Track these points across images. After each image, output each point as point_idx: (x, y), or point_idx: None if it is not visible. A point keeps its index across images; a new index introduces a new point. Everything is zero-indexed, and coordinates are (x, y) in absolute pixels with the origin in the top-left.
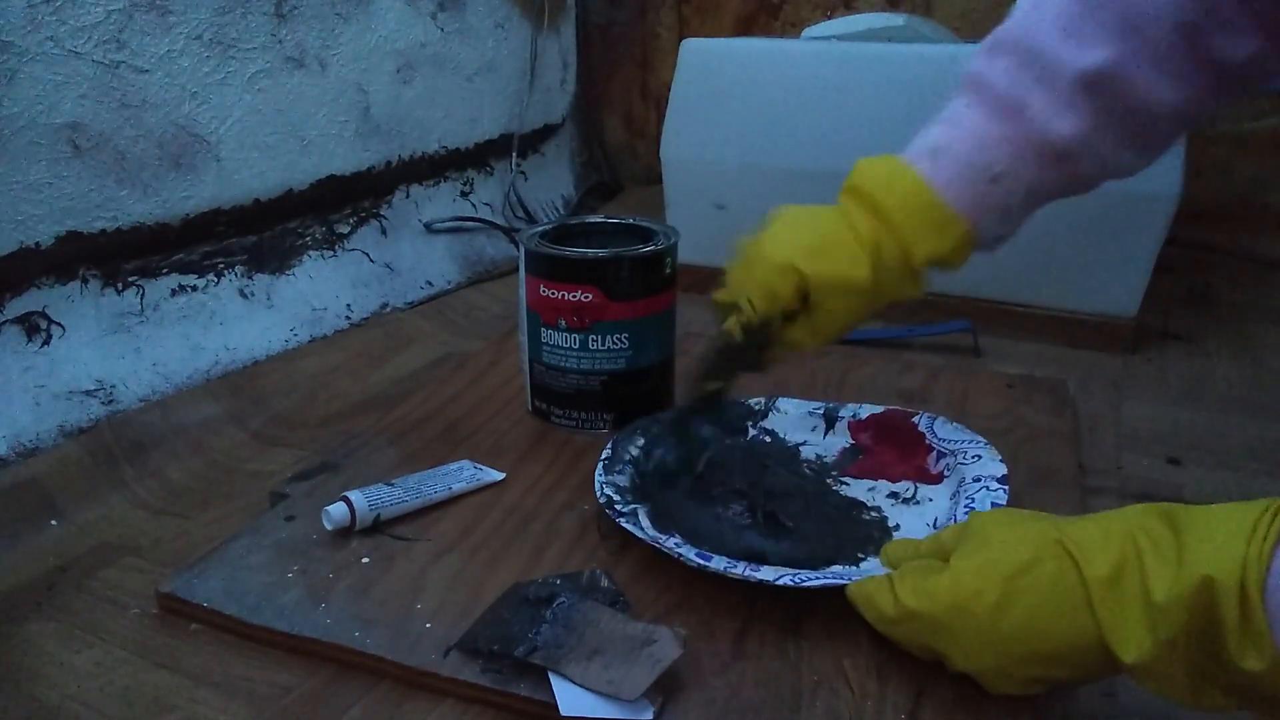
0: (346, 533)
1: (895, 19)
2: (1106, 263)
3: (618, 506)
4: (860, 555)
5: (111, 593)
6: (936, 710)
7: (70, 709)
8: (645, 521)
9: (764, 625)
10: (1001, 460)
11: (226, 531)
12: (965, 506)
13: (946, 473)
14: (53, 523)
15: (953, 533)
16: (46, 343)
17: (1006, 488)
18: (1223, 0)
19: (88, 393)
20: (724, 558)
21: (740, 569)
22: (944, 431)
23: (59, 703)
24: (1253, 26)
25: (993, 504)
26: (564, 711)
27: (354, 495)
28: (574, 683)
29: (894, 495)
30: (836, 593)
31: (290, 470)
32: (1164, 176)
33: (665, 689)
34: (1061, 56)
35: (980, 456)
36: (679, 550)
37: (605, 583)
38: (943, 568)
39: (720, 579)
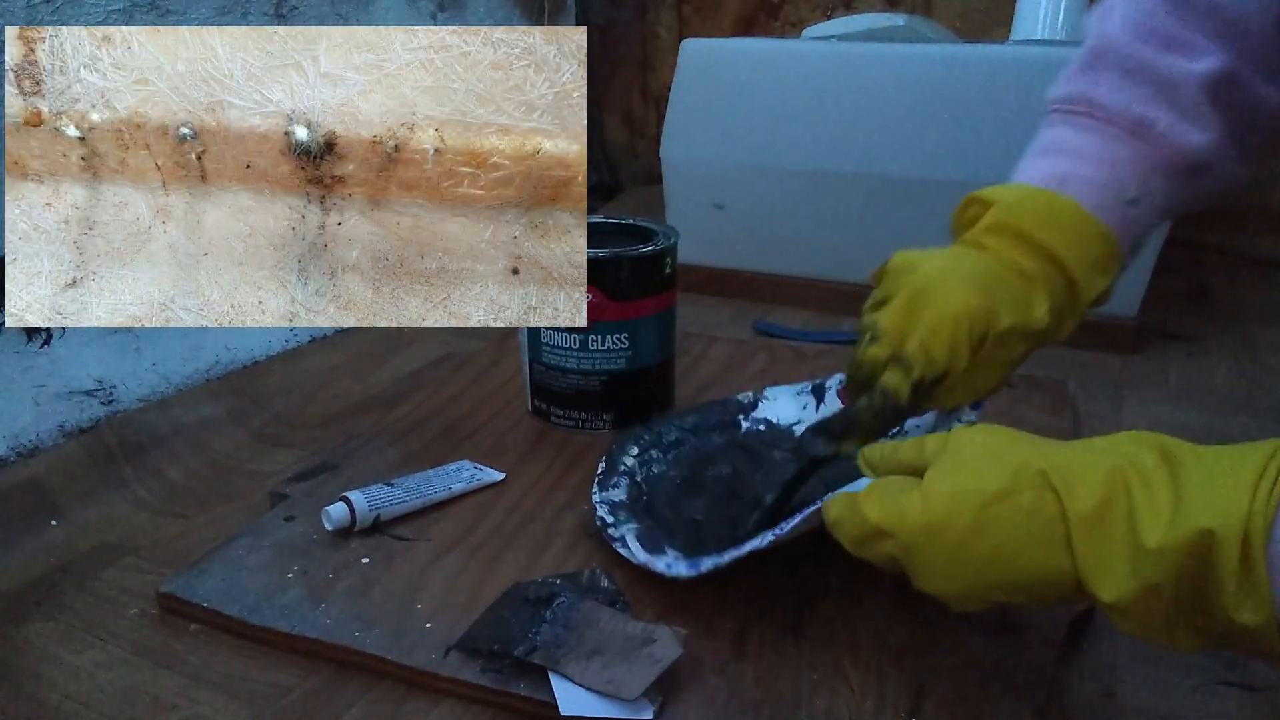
0: (346, 533)
1: (895, 19)
2: None
3: (610, 531)
4: None
5: (111, 593)
6: (937, 710)
7: (70, 709)
8: (634, 544)
9: (764, 625)
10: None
11: (226, 531)
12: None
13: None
14: (53, 523)
15: (935, 443)
16: (46, 343)
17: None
18: None
19: (88, 393)
20: (712, 557)
21: (727, 557)
22: None
23: (59, 703)
24: None
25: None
26: (564, 711)
27: (354, 495)
28: (574, 682)
29: None
30: (838, 589)
31: (290, 470)
32: None
33: (665, 689)
34: (1175, 67)
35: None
36: (671, 571)
37: (605, 583)
38: (915, 485)
39: (721, 579)
